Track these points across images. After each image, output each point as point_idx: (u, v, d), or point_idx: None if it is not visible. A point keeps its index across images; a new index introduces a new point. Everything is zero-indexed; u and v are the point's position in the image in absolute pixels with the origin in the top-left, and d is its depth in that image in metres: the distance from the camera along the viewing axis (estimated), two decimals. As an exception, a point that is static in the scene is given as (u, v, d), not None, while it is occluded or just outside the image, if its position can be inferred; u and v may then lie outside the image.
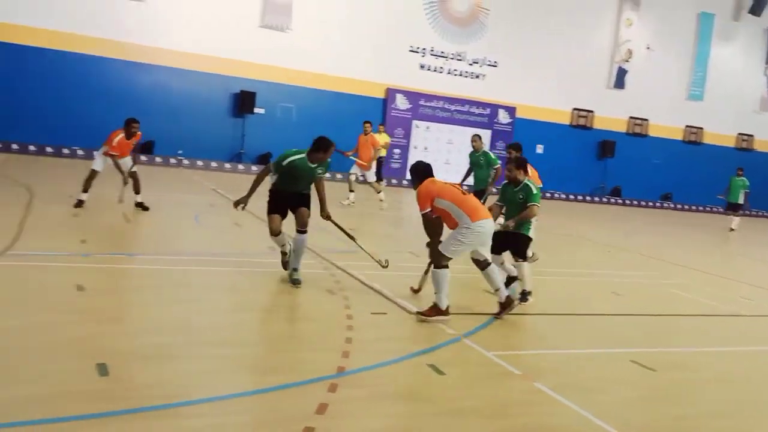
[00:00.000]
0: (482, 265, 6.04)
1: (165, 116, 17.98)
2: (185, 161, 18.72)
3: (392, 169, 21.63)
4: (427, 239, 6.12)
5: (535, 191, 6.87)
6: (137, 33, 17.85)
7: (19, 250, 6.74)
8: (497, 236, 6.38)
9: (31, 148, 16.80)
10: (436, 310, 5.80)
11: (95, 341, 4.55)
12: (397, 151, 21.72)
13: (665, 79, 25.71)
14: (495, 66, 23.07)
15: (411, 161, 22.09)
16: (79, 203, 9.56)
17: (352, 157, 14.05)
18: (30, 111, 16.76)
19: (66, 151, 17.05)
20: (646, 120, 25.81)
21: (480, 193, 10.55)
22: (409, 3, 21.38)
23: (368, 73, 20.97)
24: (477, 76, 22.96)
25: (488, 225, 5.89)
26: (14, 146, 16.61)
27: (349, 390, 4.16)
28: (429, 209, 5.91)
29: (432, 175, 6.13)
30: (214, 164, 19.12)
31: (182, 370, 4.24)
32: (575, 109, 24.56)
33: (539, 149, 23.10)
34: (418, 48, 21.89)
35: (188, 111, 18.63)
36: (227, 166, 19.29)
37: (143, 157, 18.00)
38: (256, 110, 19.33)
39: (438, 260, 5.85)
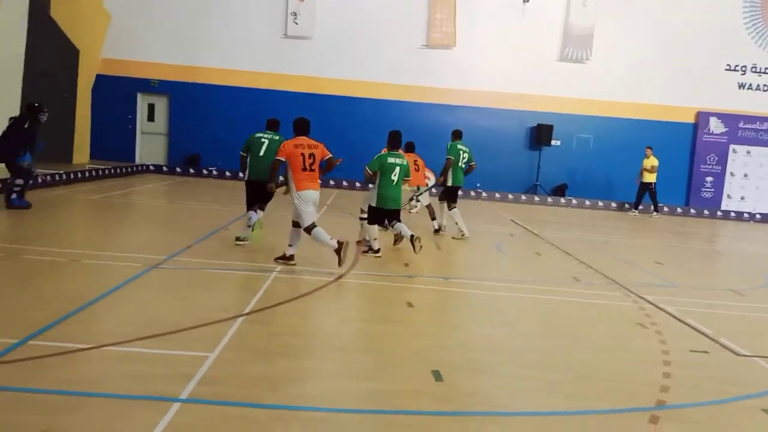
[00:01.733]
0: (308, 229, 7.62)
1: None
2: (484, 194, 19.71)
3: (703, 198, 19.76)
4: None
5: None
6: (447, 77, 19.53)
7: (358, 270, 7.99)
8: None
9: (357, 184, 19.46)
10: (341, 252, 7.61)
11: (429, 351, 5.22)
12: (709, 179, 19.78)
13: None
14: (837, 78, 19.62)
15: (726, 190, 19.97)
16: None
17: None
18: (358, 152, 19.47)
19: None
20: None
21: None
22: (726, 18, 19.46)
23: (674, 98, 19.61)
24: (812, 92, 19.77)
25: (311, 194, 7.64)
26: (344, 183, 19.43)
27: (673, 424, 4.06)
28: (281, 158, 7.69)
29: (305, 134, 7.73)
30: (510, 196, 19.75)
31: (500, 385, 4.62)
32: None
33: None
34: (736, 66, 19.75)
35: (487, 147, 19.61)
36: (523, 197, 19.75)
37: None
38: (553, 142, 19.50)
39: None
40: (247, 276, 7.27)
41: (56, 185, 13.93)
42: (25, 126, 10.55)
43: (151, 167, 19.24)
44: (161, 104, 19.78)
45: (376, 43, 19.42)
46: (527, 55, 19.56)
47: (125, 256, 7.68)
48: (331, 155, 7.88)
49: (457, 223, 11.19)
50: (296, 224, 7.85)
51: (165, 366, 4.39)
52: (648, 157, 17.87)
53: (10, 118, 10.76)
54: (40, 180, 13.54)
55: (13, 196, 10.37)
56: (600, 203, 19.71)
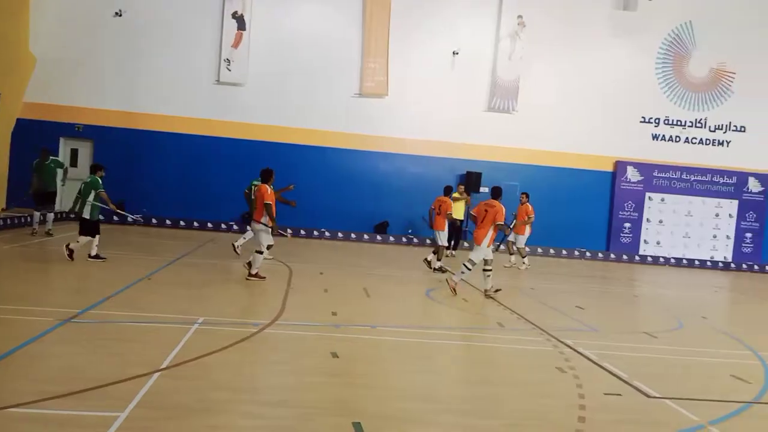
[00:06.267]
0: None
1: (399, 199, 19.57)
2: (415, 239, 19.95)
3: (623, 243, 20.68)
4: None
5: None
6: (381, 125, 19.91)
7: (284, 320, 7.89)
8: None
9: (301, 232, 19.31)
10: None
11: (351, 403, 5.18)
12: (627, 224, 20.76)
13: None
14: (742, 131, 21.18)
15: (643, 236, 21.01)
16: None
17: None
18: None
19: (315, 233, 19.30)
20: None
21: None
22: (640, 74, 20.80)
23: (594, 147, 20.64)
24: (720, 143, 21.24)
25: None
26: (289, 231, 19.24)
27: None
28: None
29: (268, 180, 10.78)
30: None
31: (423, 435, 4.63)
32: None
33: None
34: (650, 118, 21.06)
35: (418, 193, 19.93)
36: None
37: (379, 237, 19.76)
38: (481, 189, 20.05)
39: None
40: (167, 328, 7.05)
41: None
42: None
43: (72, 215, 18.48)
44: (85, 149, 19.21)
45: (310, 91, 19.61)
46: (458, 104, 20.20)
47: (38, 310, 7.34)
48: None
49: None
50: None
51: (71, 428, 4.18)
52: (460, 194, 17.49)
53: None
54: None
55: None
56: (527, 248, 20.27)
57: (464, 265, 10.76)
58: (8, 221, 15.24)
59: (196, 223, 19.05)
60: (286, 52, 19.54)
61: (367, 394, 5.46)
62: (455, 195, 16.34)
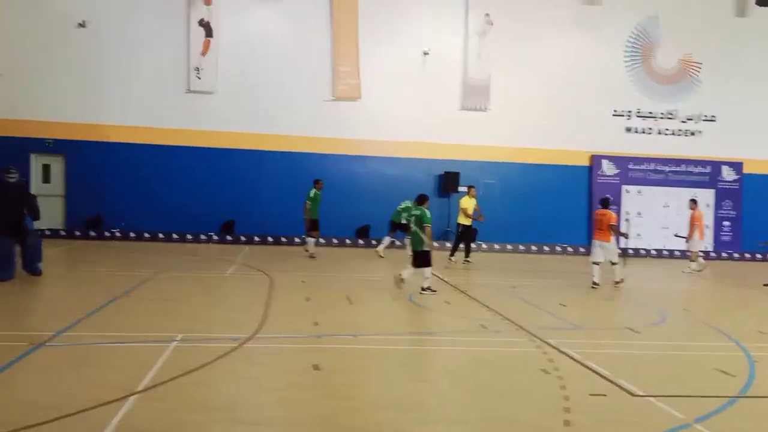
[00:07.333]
0: None
1: (378, 202, 19.48)
2: (398, 243, 19.85)
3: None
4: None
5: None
6: (356, 128, 19.79)
7: (265, 333, 7.76)
8: None
9: (269, 239, 19.14)
10: None
11: (333, 416, 5.07)
12: (607, 218, 20.92)
13: None
14: (713, 120, 21.43)
15: (623, 228, 21.09)
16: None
17: None
18: (266, 208, 19.22)
19: (296, 240, 19.11)
20: None
21: None
22: (610, 67, 20.95)
23: (569, 142, 20.75)
24: (692, 134, 21.48)
25: None
26: (256, 238, 19.07)
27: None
28: None
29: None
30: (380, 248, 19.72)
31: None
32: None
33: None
34: (622, 111, 21.22)
35: (396, 195, 19.81)
36: (435, 244, 20.00)
37: (361, 241, 19.64)
38: (460, 189, 20.03)
39: None
40: (144, 348, 6.89)
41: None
42: None
43: (47, 232, 18.12)
44: (57, 164, 18.86)
45: (282, 96, 19.40)
46: (430, 104, 20.17)
47: (7, 335, 7.13)
48: None
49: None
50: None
51: (41, 461, 4.03)
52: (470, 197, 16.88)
53: None
54: None
55: None
56: (509, 246, 20.34)
57: (613, 264, 13.10)
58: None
59: (175, 235, 18.77)
60: (255, 59, 19.35)
61: (348, 406, 5.36)
62: (467, 197, 16.44)
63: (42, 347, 6.66)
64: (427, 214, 11.15)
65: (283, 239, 19.09)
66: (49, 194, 18.67)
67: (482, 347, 7.66)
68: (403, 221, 13.19)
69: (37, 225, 17.43)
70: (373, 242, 19.65)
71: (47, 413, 4.75)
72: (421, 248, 11.01)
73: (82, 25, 18.44)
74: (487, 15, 20.33)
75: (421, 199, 11.56)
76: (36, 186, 18.59)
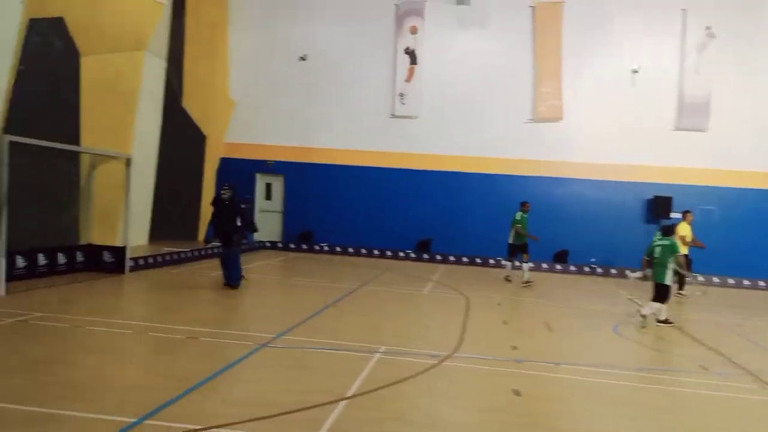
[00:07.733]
0: None
1: (579, 226, 18.70)
2: (599, 269, 18.84)
3: None
4: None
5: None
6: (556, 150, 19.28)
7: (463, 353, 7.80)
8: None
9: (464, 259, 19.32)
10: None
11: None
12: None
13: None
14: None
15: None
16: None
17: None
18: (463, 229, 19.45)
19: (491, 261, 19.03)
20: None
21: None
22: None
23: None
24: None
25: None
26: (451, 258, 19.36)
27: None
28: None
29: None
30: (628, 272, 18.68)
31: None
32: None
33: None
34: None
35: (600, 220, 18.96)
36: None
37: (558, 266, 18.97)
38: (672, 215, 18.44)
39: None
40: (351, 356, 7.30)
41: (182, 262, 14.93)
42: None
43: (268, 244, 20.19)
44: (277, 184, 20.92)
45: (483, 119, 19.60)
46: (640, 124, 18.95)
47: (238, 334, 8.01)
48: None
49: None
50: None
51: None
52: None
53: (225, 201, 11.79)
54: (168, 258, 14.59)
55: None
56: (730, 280, 18.20)
57: None
58: (215, 250, 16.88)
59: (375, 251, 19.76)
60: (456, 83, 19.76)
61: (553, 438, 5.16)
62: (684, 224, 14.61)
63: (265, 347, 7.38)
64: (678, 244, 10.82)
65: (478, 260, 19.11)
66: (270, 210, 20.83)
67: (702, 390, 6.92)
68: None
69: (258, 237, 19.58)
70: (572, 268, 18.87)
71: (269, 409, 5.24)
72: (664, 281, 10.38)
73: (303, 58, 20.36)
74: (708, 28, 18.64)
75: (667, 230, 10.94)
76: (260, 202, 20.86)
